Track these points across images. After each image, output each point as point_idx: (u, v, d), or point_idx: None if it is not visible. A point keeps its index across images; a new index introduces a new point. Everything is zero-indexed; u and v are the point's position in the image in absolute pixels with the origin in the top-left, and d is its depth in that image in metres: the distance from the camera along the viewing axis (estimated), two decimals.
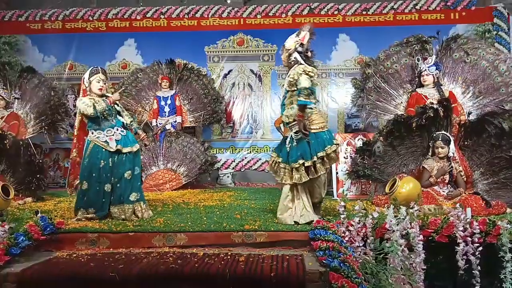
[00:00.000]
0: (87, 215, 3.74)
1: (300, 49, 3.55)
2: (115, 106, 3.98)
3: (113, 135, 3.85)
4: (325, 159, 3.46)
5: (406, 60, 5.27)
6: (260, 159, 7.66)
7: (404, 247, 2.83)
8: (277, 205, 4.49)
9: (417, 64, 5.13)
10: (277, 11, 7.69)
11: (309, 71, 3.45)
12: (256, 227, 3.36)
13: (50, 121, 6.15)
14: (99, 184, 3.79)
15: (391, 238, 2.89)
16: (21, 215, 3.94)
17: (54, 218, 3.53)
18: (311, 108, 3.49)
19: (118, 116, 4.00)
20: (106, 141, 3.81)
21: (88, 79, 3.86)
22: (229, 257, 2.93)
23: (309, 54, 3.58)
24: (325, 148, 3.44)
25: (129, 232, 3.34)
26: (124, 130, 3.97)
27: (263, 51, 7.80)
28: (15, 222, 3.32)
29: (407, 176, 4.07)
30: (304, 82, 3.38)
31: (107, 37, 7.83)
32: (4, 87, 5.96)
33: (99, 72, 3.88)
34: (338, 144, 3.60)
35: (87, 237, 3.29)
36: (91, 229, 3.38)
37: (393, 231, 2.91)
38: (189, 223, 3.56)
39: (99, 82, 3.86)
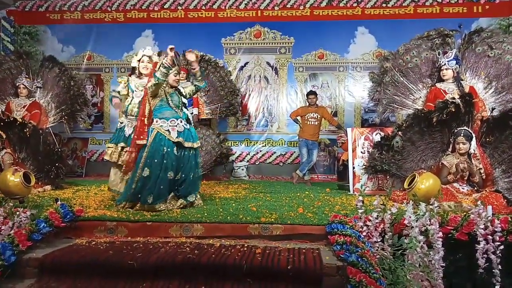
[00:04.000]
0: (159, 207, 3.76)
1: None
2: (182, 98, 4.02)
3: (176, 125, 3.87)
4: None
5: (426, 54, 5.15)
6: (274, 152, 7.66)
7: (423, 243, 2.79)
8: (292, 199, 4.52)
9: (438, 58, 5.02)
10: (295, 3, 7.62)
11: None
12: (272, 220, 3.36)
13: (69, 111, 6.23)
14: (161, 170, 3.77)
15: (410, 234, 2.85)
16: (41, 202, 4.02)
17: (73, 206, 3.58)
18: None
19: (184, 109, 4.04)
20: (168, 130, 3.84)
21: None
22: (245, 249, 2.94)
23: None
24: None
25: (147, 221, 3.38)
26: (188, 124, 4.00)
27: (280, 43, 7.75)
28: (35, 209, 3.38)
29: (426, 172, 4.01)
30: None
31: (125, 28, 7.90)
32: (27, 76, 6.05)
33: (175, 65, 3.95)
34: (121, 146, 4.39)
35: (106, 225, 3.34)
36: (110, 217, 3.43)
37: (412, 227, 2.87)
38: (206, 214, 3.58)
39: (176, 76, 3.95)
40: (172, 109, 3.92)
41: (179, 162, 3.88)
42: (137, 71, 4.51)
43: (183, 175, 3.91)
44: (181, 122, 3.93)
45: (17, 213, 3.08)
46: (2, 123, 5.00)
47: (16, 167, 4.25)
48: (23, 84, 5.90)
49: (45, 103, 6.17)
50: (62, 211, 3.23)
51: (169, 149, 3.81)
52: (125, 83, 4.53)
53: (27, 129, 5.07)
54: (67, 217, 3.22)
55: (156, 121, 3.89)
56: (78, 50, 8.01)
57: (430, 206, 3.06)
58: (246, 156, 7.65)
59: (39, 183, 5.01)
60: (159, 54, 4.60)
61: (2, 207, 3.14)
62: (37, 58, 6.78)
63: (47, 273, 2.73)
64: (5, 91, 6.14)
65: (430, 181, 3.71)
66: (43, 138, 5.22)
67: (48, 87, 6.26)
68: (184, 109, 4.06)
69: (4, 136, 4.97)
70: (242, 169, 7.33)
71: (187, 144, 3.90)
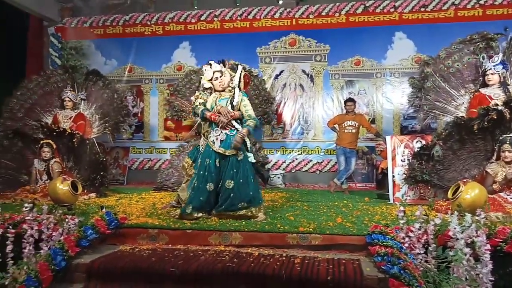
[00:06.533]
0: (197, 215, 3.80)
1: None
2: (229, 106, 3.88)
3: (219, 135, 3.87)
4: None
5: (469, 59, 4.97)
6: (311, 160, 7.61)
7: (470, 256, 2.68)
8: (330, 208, 4.48)
9: (482, 62, 4.83)
10: (330, 11, 7.59)
11: None
12: (311, 229, 3.34)
13: (113, 122, 6.49)
14: (205, 183, 3.80)
15: (455, 246, 2.73)
16: (87, 210, 4.21)
17: (117, 213, 3.72)
18: None
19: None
20: (213, 141, 3.88)
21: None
22: (284, 258, 2.94)
23: None
24: None
25: (187, 229, 3.45)
26: (235, 130, 3.85)
27: (315, 51, 7.73)
28: (82, 216, 3.54)
29: (471, 181, 3.85)
30: None
31: (163, 40, 8.18)
32: (72, 89, 6.38)
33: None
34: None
35: (148, 233, 3.44)
36: (152, 225, 3.54)
37: (457, 239, 2.75)
38: (244, 222, 3.62)
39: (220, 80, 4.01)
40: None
41: (220, 172, 3.83)
42: (209, 90, 4.19)
43: (227, 182, 3.79)
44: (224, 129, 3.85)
45: (66, 220, 3.23)
46: (53, 134, 5.29)
47: (65, 176, 4.48)
48: (68, 97, 6.22)
49: (89, 114, 6.46)
50: (107, 218, 3.36)
51: (210, 161, 3.83)
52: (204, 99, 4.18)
53: (75, 139, 5.34)
54: (112, 224, 3.36)
55: (209, 131, 3.98)
56: (120, 62, 8.36)
57: (476, 217, 2.94)
58: (282, 164, 7.65)
59: (84, 191, 5.23)
60: (224, 64, 4.17)
61: (52, 214, 3.32)
62: (82, 71, 7.13)
63: (94, 278, 2.84)
64: (52, 104, 6.49)
65: (476, 190, 3.56)
66: (89, 148, 5.47)
67: (92, 100, 6.56)
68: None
69: (54, 146, 5.26)
70: (278, 177, 7.34)
71: (228, 153, 3.83)
